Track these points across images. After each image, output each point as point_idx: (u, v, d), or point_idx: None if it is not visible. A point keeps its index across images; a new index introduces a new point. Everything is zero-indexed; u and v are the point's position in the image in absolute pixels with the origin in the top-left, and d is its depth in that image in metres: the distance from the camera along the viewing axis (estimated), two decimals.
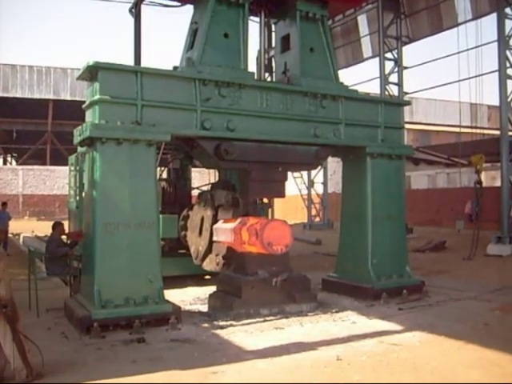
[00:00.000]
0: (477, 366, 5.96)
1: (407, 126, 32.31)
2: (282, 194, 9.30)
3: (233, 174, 10.43)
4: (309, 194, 29.18)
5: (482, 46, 17.90)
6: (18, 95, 42.46)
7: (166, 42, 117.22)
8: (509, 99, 16.72)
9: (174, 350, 6.59)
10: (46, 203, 41.89)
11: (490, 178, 26.40)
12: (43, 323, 7.83)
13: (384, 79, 21.95)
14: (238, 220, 8.33)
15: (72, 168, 12.07)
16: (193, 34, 9.12)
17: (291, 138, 9.19)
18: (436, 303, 9.36)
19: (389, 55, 22.20)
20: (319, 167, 24.78)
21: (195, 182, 14.67)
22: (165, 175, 13.17)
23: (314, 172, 27.73)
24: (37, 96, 42.93)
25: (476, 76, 17.62)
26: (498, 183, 19.27)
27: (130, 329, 7.28)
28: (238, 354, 6.41)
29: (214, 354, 6.43)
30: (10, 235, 19.19)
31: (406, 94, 22.73)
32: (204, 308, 9.05)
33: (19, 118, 44.38)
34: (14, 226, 21.94)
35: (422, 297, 9.80)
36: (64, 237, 9.85)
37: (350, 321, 8.17)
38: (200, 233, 9.74)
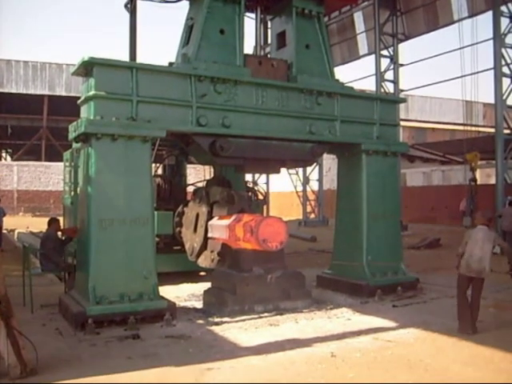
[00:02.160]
0: (471, 362, 6.00)
1: (403, 123, 32.40)
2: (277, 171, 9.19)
3: (228, 171, 10.42)
4: (304, 191, 29.19)
5: (477, 43, 17.93)
6: (13, 91, 42.20)
7: (162, 38, 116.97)
8: (504, 97, 16.76)
9: (168, 347, 6.59)
10: (40, 199, 41.73)
11: (485, 175, 26.49)
12: (38, 319, 7.82)
13: (380, 76, 21.98)
14: (233, 217, 8.34)
15: (67, 164, 12.03)
16: (188, 30, 9.10)
17: (287, 134, 9.19)
18: (430, 300, 9.40)
19: (385, 52, 22.23)
20: (314, 164, 24.80)
21: (190, 179, 14.66)
22: (160, 171, 13.15)
23: (309, 169, 27.71)
24: (32, 92, 42.69)
25: (471, 74, 17.65)
26: (492, 181, 19.32)
27: (125, 325, 7.27)
28: (232, 351, 6.42)
29: (209, 350, 6.44)
30: (4, 231, 19.12)
31: (402, 91, 22.76)
32: (199, 304, 9.05)
33: (14, 113, 44.14)
34: (9, 222, 21.87)
35: (416, 294, 9.83)
36: (59, 233, 9.83)
37: (345, 317, 8.19)
38: (195, 229, 9.73)
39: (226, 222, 8.38)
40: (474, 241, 7.36)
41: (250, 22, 10.69)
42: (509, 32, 16.90)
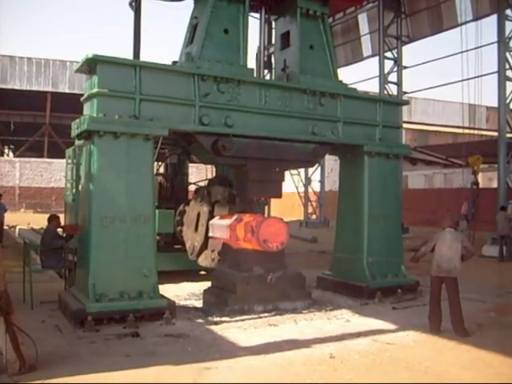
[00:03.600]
0: (470, 366, 5.98)
1: (405, 125, 32.41)
2: (278, 195, 9.25)
3: (230, 170, 10.42)
4: (305, 192, 29.18)
5: (481, 47, 17.92)
6: (17, 87, 42.20)
7: (166, 37, 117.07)
8: (507, 101, 16.74)
9: (167, 345, 6.59)
10: (42, 196, 41.77)
11: (487, 179, 26.48)
12: (37, 316, 7.81)
13: (383, 78, 21.96)
14: (234, 216, 8.33)
15: (69, 161, 12.09)
16: (192, 29, 9.10)
17: (289, 135, 9.18)
18: None
19: (388, 54, 22.22)
20: (316, 165, 24.79)
21: (192, 178, 14.66)
22: (162, 170, 13.15)
23: (311, 170, 27.72)
24: (35, 88, 42.70)
25: (475, 77, 17.63)
26: (494, 184, 19.31)
27: (124, 323, 7.27)
28: (231, 350, 6.42)
29: (208, 349, 6.44)
30: (5, 227, 19.15)
31: (405, 93, 22.75)
32: (199, 303, 9.05)
33: (17, 109, 44.21)
34: (10, 218, 21.88)
35: (416, 296, 9.81)
36: (59, 230, 9.84)
37: (344, 319, 8.18)
38: (196, 228, 9.74)
39: (227, 221, 8.37)
40: (442, 241, 7.59)
41: (254, 22, 10.68)
42: None
